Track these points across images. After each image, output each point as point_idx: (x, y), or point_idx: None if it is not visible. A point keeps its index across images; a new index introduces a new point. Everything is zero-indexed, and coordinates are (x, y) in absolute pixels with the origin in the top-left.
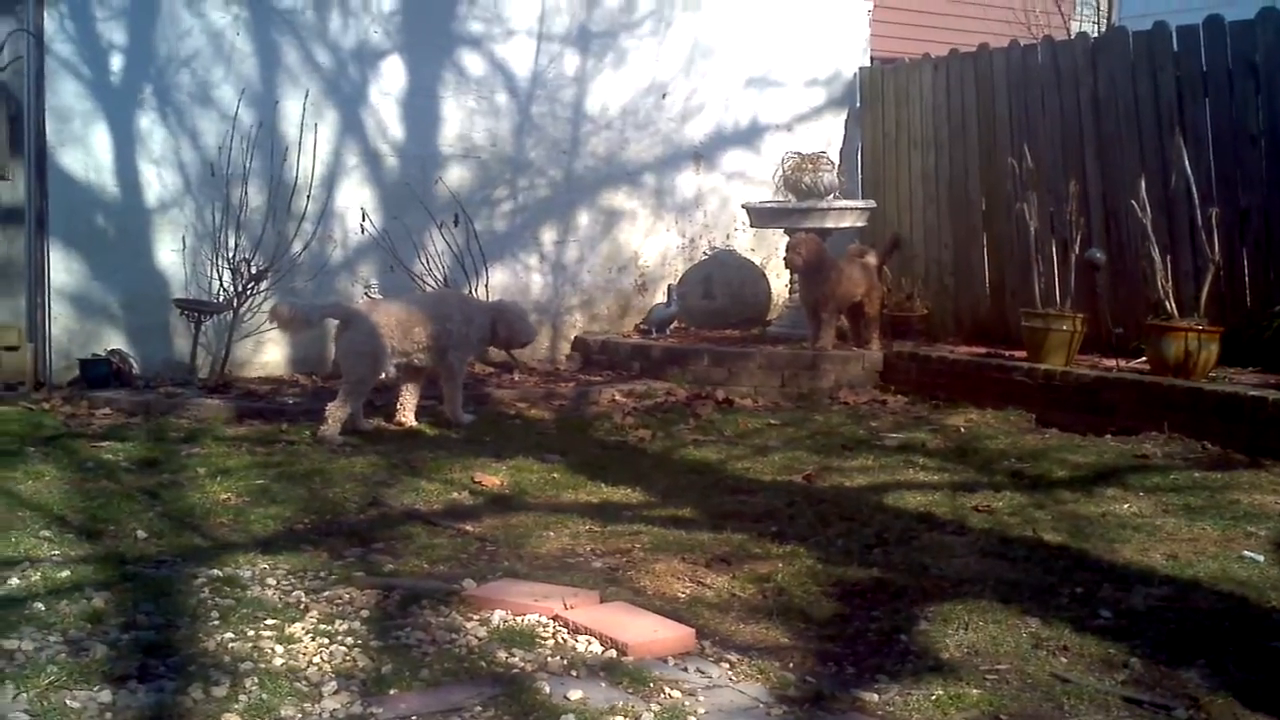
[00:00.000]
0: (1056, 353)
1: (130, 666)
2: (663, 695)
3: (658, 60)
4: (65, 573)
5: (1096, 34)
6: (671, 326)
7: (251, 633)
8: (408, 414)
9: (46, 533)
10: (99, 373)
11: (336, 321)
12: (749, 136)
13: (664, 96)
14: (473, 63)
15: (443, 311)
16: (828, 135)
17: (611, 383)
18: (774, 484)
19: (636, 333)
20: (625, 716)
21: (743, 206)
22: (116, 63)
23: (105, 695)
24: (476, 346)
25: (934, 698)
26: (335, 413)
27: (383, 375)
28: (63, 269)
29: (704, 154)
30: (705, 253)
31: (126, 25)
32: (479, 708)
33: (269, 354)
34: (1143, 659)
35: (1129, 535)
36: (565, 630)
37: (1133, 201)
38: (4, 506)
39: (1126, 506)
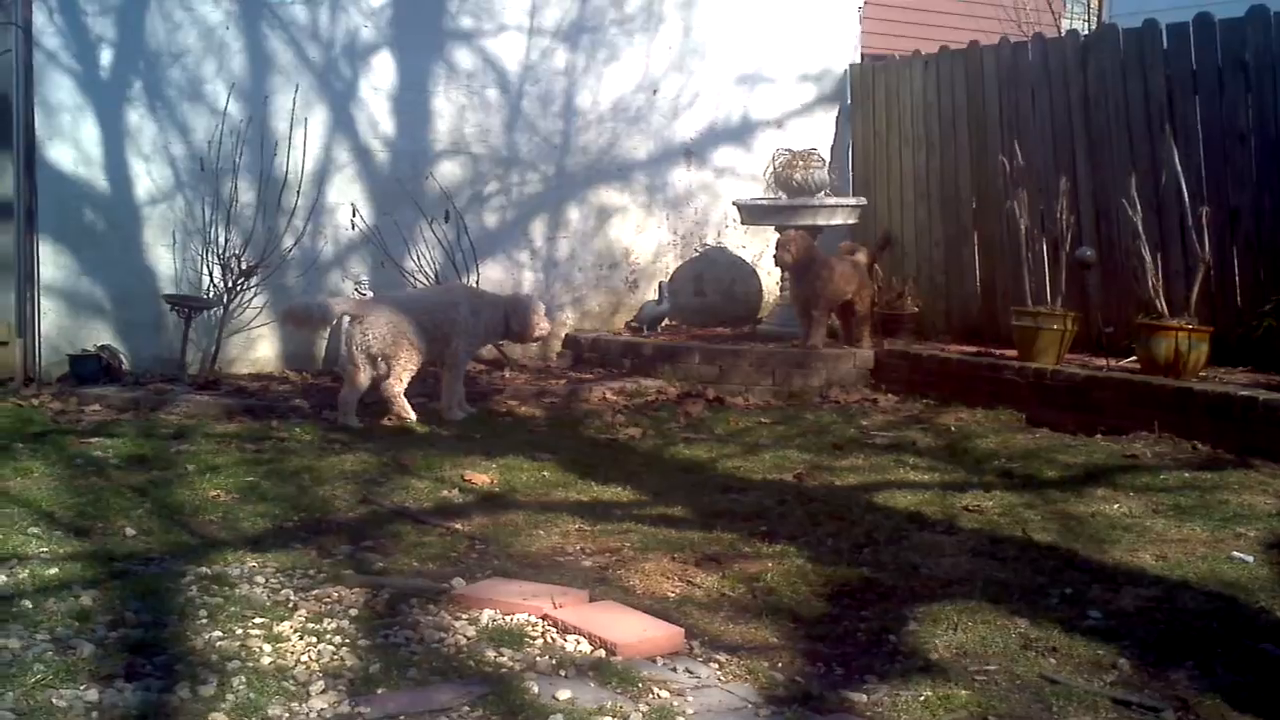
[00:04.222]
0: (1047, 352)
1: (117, 665)
2: (651, 695)
3: (649, 56)
4: (53, 570)
5: (1087, 32)
6: (663, 324)
7: (240, 631)
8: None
9: (35, 529)
10: (89, 369)
11: (348, 316)
12: (740, 133)
13: (655, 92)
14: (463, 58)
15: (449, 300)
16: (819, 132)
17: (602, 380)
18: (764, 483)
19: (627, 330)
20: (614, 716)
21: (734, 203)
22: (106, 57)
23: (92, 694)
24: (484, 338)
25: (923, 698)
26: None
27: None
28: (52, 264)
29: (695, 150)
30: (696, 249)
31: (116, 19)
32: (467, 707)
33: (259, 350)
34: (1131, 660)
35: (1118, 535)
36: (554, 630)
37: (1123, 200)
38: None
39: (1116, 507)
